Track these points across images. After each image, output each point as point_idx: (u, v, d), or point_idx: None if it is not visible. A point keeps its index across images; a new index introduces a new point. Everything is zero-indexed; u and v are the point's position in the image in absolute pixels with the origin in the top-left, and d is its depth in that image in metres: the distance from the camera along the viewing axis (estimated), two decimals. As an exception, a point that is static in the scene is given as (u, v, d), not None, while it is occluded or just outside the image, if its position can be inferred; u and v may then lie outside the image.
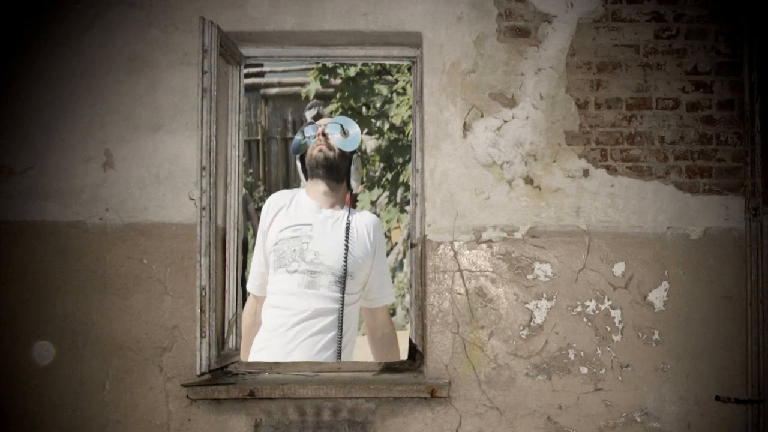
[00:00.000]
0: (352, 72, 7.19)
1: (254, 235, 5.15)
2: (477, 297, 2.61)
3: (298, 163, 3.03)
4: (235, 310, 2.68)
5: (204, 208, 2.40)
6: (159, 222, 2.60)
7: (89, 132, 2.61)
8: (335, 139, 2.91)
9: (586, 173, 2.64)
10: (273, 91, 10.90)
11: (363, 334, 3.19)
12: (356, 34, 2.68)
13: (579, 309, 2.61)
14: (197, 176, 2.44)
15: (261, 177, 10.67)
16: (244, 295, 2.88)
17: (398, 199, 7.66)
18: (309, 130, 2.98)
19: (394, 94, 7.27)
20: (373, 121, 7.48)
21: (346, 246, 2.77)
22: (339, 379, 2.59)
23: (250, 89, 10.22)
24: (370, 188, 7.61)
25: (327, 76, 7.32)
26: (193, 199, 2.59)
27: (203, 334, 2.39)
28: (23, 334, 2.56)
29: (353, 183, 2.94)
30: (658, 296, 2.61)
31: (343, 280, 2.75)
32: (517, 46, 2.65)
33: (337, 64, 7.10)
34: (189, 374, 2.55)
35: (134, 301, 2.58)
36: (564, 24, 2.65)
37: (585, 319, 2.61)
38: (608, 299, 2.61)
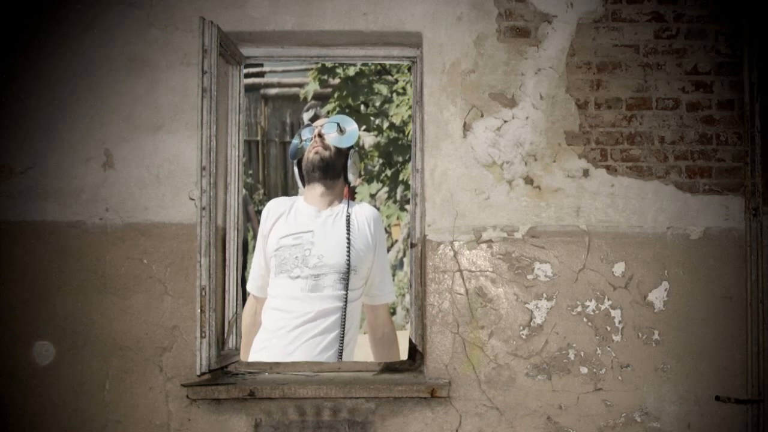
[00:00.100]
0: (351, 72, 7.19)
1: (254, 236, 5.14)
2: (477, 297, 2.61)
3: (296, 169, 3.02)
4: (235, 310, 2.68)
5: (204, 208, 2.40)
6: (159, 222, 2.60)
7: (89, 132, 2.61)
8: (331, 138, 2.91)
9: (586, 173, 2.64)
10: (273, 91, 10.90)
11: (364, 333, 3.19)
12: (356, 34, 2.68)
13: (579, 309, 2.61)
14: (197, 176, 2.44)
15: (261, 180, 10.67)
16: (244, 295, 2.88)
17: (398, 197, 7.65)
18: (306, 133, 2.98)
19: (394, 94, 7.26)
20: (372, 118, 7.48)
21: (348, 239, 2.77)
22: (339, 379, 2.59)
23: (250, 89, 10.22)
24: (369, 181, 7.59)
25: (326, 77, 7.31)
26: (193, 199, 2.59)
27: (203, 334, 2.39)
28: (23, 334, 2.56)
29: (350, 177, 2.94)
30: (658, 296, 2.61)
31: (346, 276, 2.74)
32: (517, 46, 2.65)
33: (337, 65, 7.10)
34: (189, 374, 2.55)
35: (134, 301, 2.58)
36: (564, 24, 2.65)
37: (585, 319, 2.61)
38: (608, 299, 2.61)
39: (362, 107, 7.43)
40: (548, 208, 2.63)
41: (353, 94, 7.22)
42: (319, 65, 7.19)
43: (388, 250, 7.98)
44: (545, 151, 2.64)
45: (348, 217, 2.82)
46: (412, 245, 2.75)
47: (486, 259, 2.62)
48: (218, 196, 2.54)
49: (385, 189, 7.67)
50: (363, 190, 7.55)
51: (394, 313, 8.16)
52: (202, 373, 2.43)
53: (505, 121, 2.64)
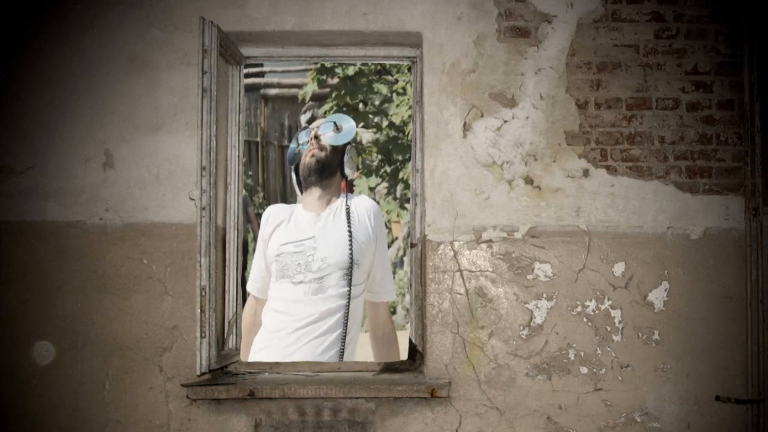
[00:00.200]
0: (350, 71, 7.18)
1: (255, 238, 5.14)
2: (477, 297, 2.61)
3: (293, 175, 3.02)
4: (235, 310, 2.68)
5: (204, 208, 2.40)
6: (159, 222, 2.60)
7: (89, 132, 2.61)
8: (327, 137, 2.90)
9: (586, 173, 2.64)
10: (272, 91, 10.90)
11: (365, 331, 3.19)
12: (356, 34, 2.68)
13: (579, 309, 2.61)
14: (197, 176, 2.44)
15: (260, 183, 10.67)
16: (244, 295, 2.88)
17: (398, 194, 7.65)
18: (302, 137, 2.97)
19: (394, 94, 7.26)
20: (370, 116, 7.47)
21: (350, 232, 2.77)
22: (339, 379, 2.59)
23: (249, 89, 10.22)
24: (368, 175, 7.57)
25: (324, 77, 7.30)
26: (193, 199, 2.59)
27: (203, 334, 2.39)
28: (23, 334, 2.56)
29: (347, 171, 2.93)
30: (658, 296, 2.61)
31: (349, 272, 2.74)
32: (517, 46, 2.65)
33: (336, 65, 7.10)
34: (189, 374, 2.55)
35: (134, 301, 2.58)
36: (564, 24, 2.65)
37: (585, 319, 2.61)
38: (608, 299, 2.61)
39: (361, 105, 7.42)
40: (548, 208, 2.63)
41: (352, 92, 7.21)
42: (319, 66, 7.19)
43: (389, 247, 7.97)
44: (545, 151, 2.64)
45: (348, 209, 2.81)
46: (412, 245, 2.75)
47: (486, 259, 2.62)
48: (218, 196, 2.54)
49: (385, 184, 7.67)
50: (362, 183, 7.53)
51: (394, 312, 8.16)
52: (202, 373, 2.43)
53: (505, 121, 2.64)
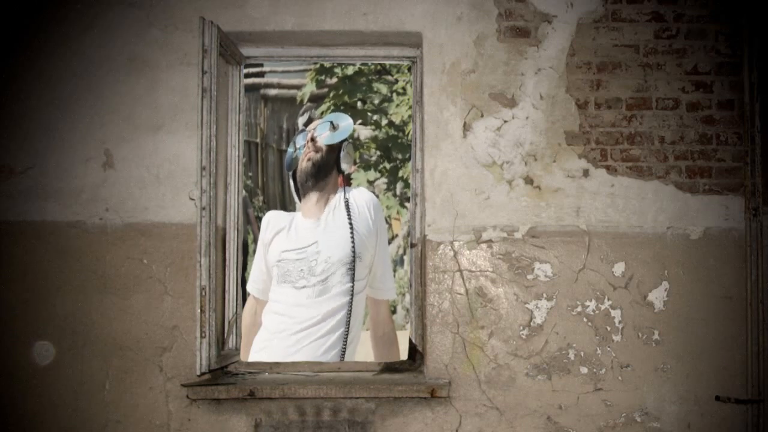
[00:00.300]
0: (350, 71, 7.18)
1: (255, 239, 5.14)
2: (477, 297, 2.61)
3: (291, 182, 3.01)
4: (235, 310, 2.68)
5: (204, 208, 2.40)
6: (159, 222, 2.60)
7: (89, 132, 2.61)
8: (324, 137, 2.90)
9: (586, 173, 2.64)
10: (272, 92, 10.90)
11: (367, 329, 3.20)
12: (356, 34, 2.68)
13: (579, 309, 2.61)
14: (197, 176, 2.44)
15: (260, 186, 10.67)
16: (244, 295, 2.88)
17: (398, 192, 7.65)
18: (299, 140, 2.97)
19: (394, 94, 7.27)
20: (369, 114, 7.46)
21: (351, 224, 2.76)
22: (339, 379, 2.59)
23: (249, 89, 10.22)
24: (366, 169, 7.56)
25: (323, 77, 7.30)
26: (193, 199, 2.59)
27: (203, 334, 2.39)
28: (23, 334, 2.56)
29: (344, 166, 2.92)
30: (658, 296, 2.61)
31: (352, 266, 2.74)
32: (517, 46, 2.65)
33: (335, 65, 7.10)
34: (189, 374, 2.55)
35: (134, 301, 2.58)
36: (564, 24, 2.65)
37: (585, 319, 2.61)
38: (608, 299, 2.61)
39: (359, 104, 7.42)
40: (548, 208, 2.63)
41: (350, 91, 7.21)
42: (318, 65, 7.19)
43: (389, 244, 7.96)
44: (545, 151, 2.64)
45: (347, 201, 2.81)
46: (412, 245, 2.75)
47: (486, 259, 2.62)
48: (218, 196, 2.54)
49: (384, 179, 7.66)
50: (360, 176, 7.51)
51: (394, 312, 8.16)
52: (202, 373, 2.43)
53: (505, 121, 2.64)
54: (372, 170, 7.54)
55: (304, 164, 2.90)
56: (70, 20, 2.62)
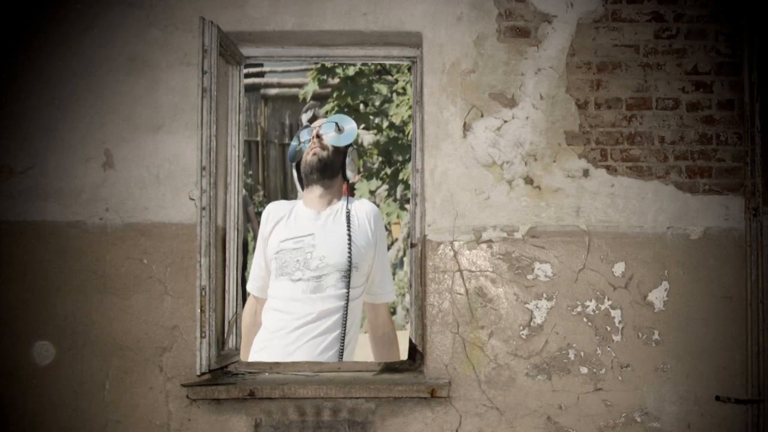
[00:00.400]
0: (351, 72, 7.18)
1: (254, 237, 5.15)
2: (477, 297, 2.61)
3: (294, 172, 3.02)
4: (235, 310, 2.68)
5: (204, 208, 2.40)
6: (159, 222, 2.60)
7: (89, 132, 2.61)
8: (329, 137, 2.90)
9: (586, 173, 2.64)
10: (273, 91, 10.90)
11: (365, 332, 3.20)
12: (356, 34, 2.68)
13: (579, 309, 2.61)
14: (197, 176, 2.44)
15: (260, 181, 10.68)
16: (244, 295, 2.88)
17: (398, 195, 7.65)
18: (304, 135, 2.97)
19: (394, 94, 7.26)
20: (371, 117, 7.47)
21: (349, 235, 2.76)
22: (339, 379, 2.59)
23: (250, 89, 10.23)
24: (369, 178, 7.57)
25: (325, 77, 7.30)
26: (193, 199, 2.59)
27: (203, 334, 2.39)
28: (23, 334, 2.56)
29: (349, 174, 2.93)
30: (658, 296, 2.62)
31: (348, 274, 2.74)
32: (517, 46, 2.65)
33: (336, 65, 7.10)
34: (189, 374, 2.55)
35: (134, 301, 2.58)
36: (564, 24, 2.65)
37: (585, 319, 2.61)
38: (608, 299, 2.61)
39: (361, 106, 7.43)
40: (548, 208, 2.63)
41: (352, 93, 7.21)
42: (319, 65, 7.19)
43: (388, 249, 7.97)
44: (545, 151, 2.64)
45: (348, 213, 2.81)
46: (412, 245, 2.75)
47: (486, 259, 2.62)
48: (218, 196, 2.54)
49: (385, 187, 7.67)
50: (362, 186, 7.54)
51: (394, 312, 8.16)
52: (202, 373, 2.43)
53: (505, 121, 2.64)
54: (374, 179, 7.55)
55: (309, 157, 2.90)
56: (70, 20, 2.62)
